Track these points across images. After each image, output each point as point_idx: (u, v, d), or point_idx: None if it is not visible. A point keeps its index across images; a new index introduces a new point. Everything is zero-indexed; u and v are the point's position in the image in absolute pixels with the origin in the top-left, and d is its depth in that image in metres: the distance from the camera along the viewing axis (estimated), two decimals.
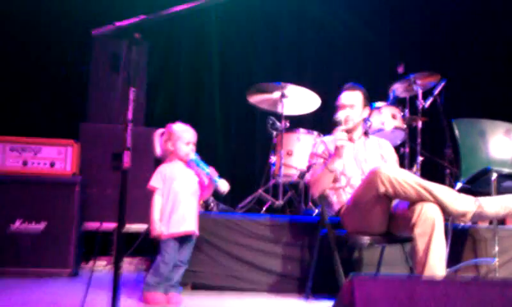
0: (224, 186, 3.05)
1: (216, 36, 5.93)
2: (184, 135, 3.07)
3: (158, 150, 3.10)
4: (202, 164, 3.07)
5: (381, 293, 1.10)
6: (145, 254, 4.42)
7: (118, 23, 1.73)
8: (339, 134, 3.04)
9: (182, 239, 3.02)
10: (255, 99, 4.84)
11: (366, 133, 3.50)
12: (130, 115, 1.72)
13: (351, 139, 3.33)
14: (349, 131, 3.26)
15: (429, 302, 1.11)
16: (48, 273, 3.67)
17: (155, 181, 3.01)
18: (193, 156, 3.08)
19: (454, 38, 6.23)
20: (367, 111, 3.43)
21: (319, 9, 6.18)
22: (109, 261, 4.28)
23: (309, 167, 3.38)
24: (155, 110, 5.35)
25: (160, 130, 3.11)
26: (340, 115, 3.17)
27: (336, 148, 3.03)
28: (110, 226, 4.08)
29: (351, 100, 3.35)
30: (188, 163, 3.10)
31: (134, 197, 4.24)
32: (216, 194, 3.30)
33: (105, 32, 1.71)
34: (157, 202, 2.98)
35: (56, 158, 3.84)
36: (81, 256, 3.96)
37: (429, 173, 4.66)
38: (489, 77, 6.10)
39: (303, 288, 3.44)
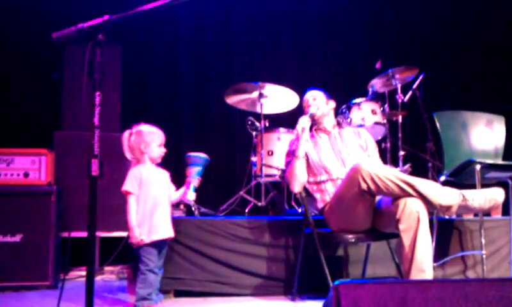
0: (191, 196, 3.04)
1: (191, 37, 5.85)
2: (157, 137, 2.99)
3: (128, 154, 2.99)
4: (201, 169, 3.05)
5: (369, 301, 1.03)
6: (126, 262, 4.35)
7: (80, 25, 1.65)
8: (300, 119, 3.16)
9: (161, 244, 2.92)
10: (233, 100, 4.79)
11: (339, 124, 3.53)
12: (96, 121, 1.64)
13: (325, 130, 3.42)
14: (316, 119, 3.35)
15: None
16: (26, 287, 3.56)
17: (130, 185, 2.88)
18: (205, 157, 3.07)
19: (430, 31, 6.23)
20: (332, 103, 3.49)
21: (295, 7, 6.14)
22: None
23: (287, 165, 3.34)
24: (132, 115, 5.23)
25: (128, 132, 3.00)
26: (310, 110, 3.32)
27: (297, 132, 3.14)
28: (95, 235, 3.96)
29: (313, 95, 3.46)
30: (194, 161, 3.05)
31: (114, 204, 4.19)
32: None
33: (67, 34, 1.62)
34: (133, 207, 2.85)
35: (30, 168, 3.73)
36: (60, 267, 3.85)
37: (411, 167, 4.64)
38: (468, 68, 6.12)
39: (289, 290, 3.39)
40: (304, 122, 3.16)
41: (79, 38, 1.65)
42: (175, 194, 3.07)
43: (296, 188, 3.19)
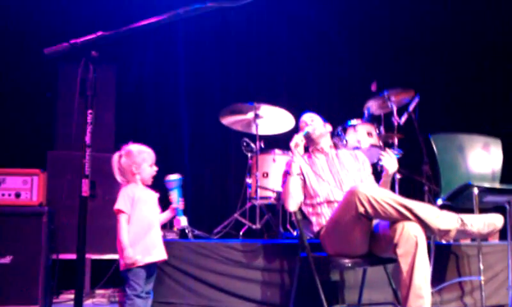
0: (184, 221, 2.96)
1: (186, 58, 5.84)
2: (148, 156, 2.93)
3: (118, 177, 2.91)
4: (178, 191, 2.95)
5: None
6: (118, 285, 4.27)
7: (73, 41, 1.61)
8: (295, 136, 3.15)
9: (151, 268, 2.85)
10: (228, 120, 4.75)
11: (335, 146, 3.52)
12: (88, 139, 1.59)
13: (322, 151, 3.39)
14: (313, 139, 3.34)
15: None
16: None
17: (123, 204, 2.80)
18: (177, 177, 2.96)
19: (426, 53, 6.25)
20: (329, 127, 3.48)
21: (290, 29, 6.15)
22: None
23: (283, 185, 3.30)
24: (126, 135, 5.18)
25: (118, 153, 2.93)
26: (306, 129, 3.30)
27: (291, 148, 3.13)
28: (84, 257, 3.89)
29: (311, 117, 3.44)
30: (168, 182, 2.96)
31: (106, 226, 4.13)
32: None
33: (59, 50, 1.58)
34: (125, 227, 2.77)
35: (22, 188, 3.66)
36: (51, 289, 3.77)
37: (407, 191, 4.60)
38: (464, 90, 6.12)
39: None
40: (298, 138, 3.14)
41: (72, 54, 1.61)
42: (161, 217, 3.00)
43: (291, 206, 3.15)
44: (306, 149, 3.41)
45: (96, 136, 4.35)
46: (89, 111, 1.64)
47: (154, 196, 2.96)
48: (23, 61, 5.10)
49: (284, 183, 3.24)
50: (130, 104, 5.46)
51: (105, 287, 4.15)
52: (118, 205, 2.80)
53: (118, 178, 2.91)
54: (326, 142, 3.41)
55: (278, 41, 6.17)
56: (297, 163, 3.19)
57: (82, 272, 1.70)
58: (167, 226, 4.01)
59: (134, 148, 2.94)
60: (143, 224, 2.81)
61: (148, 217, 2.84)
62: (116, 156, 2.92)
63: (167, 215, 3.00)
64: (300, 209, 3.23)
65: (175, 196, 2.94)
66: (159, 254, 2.85)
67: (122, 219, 2.79)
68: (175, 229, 4.16)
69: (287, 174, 3.23)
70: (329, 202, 3.17)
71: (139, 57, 5.68)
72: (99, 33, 1.65)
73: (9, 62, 5.13)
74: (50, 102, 4.65)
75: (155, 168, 2.95)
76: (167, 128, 5.68)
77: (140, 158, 2.90)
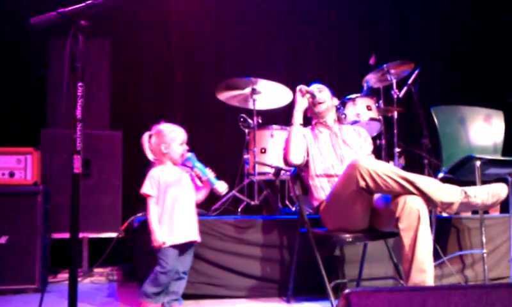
0: (222, 187, 2.87)
1: (180, 31, 5.73)
2: (177, 135, 2.88)
3: (150, 155, 2.87)
4: (199, 164, 2.89)
5: None
6: (116, 264, 4.24)
7: (61, 10, 1.53)
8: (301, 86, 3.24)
9: (183, 248, 2.82)
10: (224, 96, 4.68)
11: (339, 120, 3.45)
12: (79, 114, 1.52)
13: (326, 125, 3.31)
14: (319, 112, 3.28)
15: None
16: (12, 290, 3.43)
17: (148, 188, 2.78)
18: (189, 154, 2.90)
19: (425, 25, 6.17)
20: (336, 100, 3.41)
21: (288, 2, 6.04)
22: (79, 272, 4.07)
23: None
24: (121, 112, 5.11)
25: (148, 133, 2.90)
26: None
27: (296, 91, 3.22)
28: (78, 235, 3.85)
29: (319, 87, 3.35)
30: (183, 163, 2.90)
31: (103, 205, 4.10)
32: None
33: (47, 20, 1.50)
34: (154, 210, 2.76)
35: (15, 167, 3.61)
36: (48, 269, 3.74)
37: (406, 164, 4.57)
38: (463, 63, 6.06)
39: (283, 291, 3.30)
40: (303, 87, 3.20)
41: (61, 25, 1.53)
42: (198, 196, 2.94)
43: (292, 158, 3.09)
44: (309, 122, 3.35)
45: (91, 114, 4.33)
46: (80, 84, 1.56)
47: (185, 175, 2.91)
48: (16, 37, 4.99)
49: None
50: (125, 81, 5.36)
51: (103, 266, 4.11)
52: (144, 189, 2.78)
53: (150, 157, 2.87)
54: (331, 116, 3.33)
55: (275, 14, 6.07)
56: (300, 113, 3.19)
57: (76, 249, 1.64)
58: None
59: (164, 127, 2.90)
60: (168, 206, 2.77)
61: (177, 199, 2.79)
62: (145, 136, 2.89)
63: (203, 191, 2.94)
64: (299, 183, 3.18)
65: (198, 171, 2.88)
66: (186, 235, 2.80)
67: (150, 203, 2.77)
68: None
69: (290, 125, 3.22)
70: (329, 176, 3.11)
71: (133, 33, 5.57)
72: (88, 2, 1.57)
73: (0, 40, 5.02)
74: (43, 79, 4.55)
75: (185, 147, 2.90)
76: (162, 106, 5.60)
77: (169, 137, 2.85)
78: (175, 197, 2.79)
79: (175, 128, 2.92)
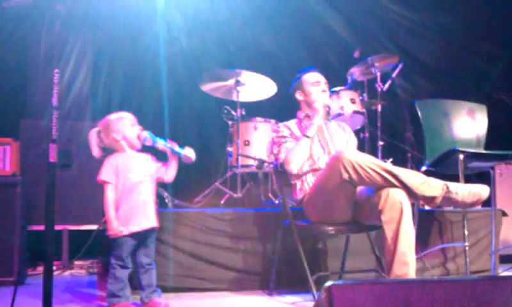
0: (190, 153, 2.82)
1: (164, 25, 5.66)
2: (125, 119, 2.81)
3: (96, 151, 2.77)
4: (159, 139, 2.81)
5: (367, 303, 0.90)
6: (97, 256, 4.18)
7: None
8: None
9: (143, 237, 2.73)
10: (208, 87, 4.65)
11: (325, 116, 3.39)
12: (54, 101, 1.48)
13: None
14: (314, 108, 3.20)
15: None
16: None
17: (106, 174, 2.69)
18: (146, 133, 2.81)
19: (410, 18, 6.16)
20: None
21: None
22: (58, 265, 4.01)
23: (274, 153, 3.21)
24: (102, 104, 5.04)
25: (95, 130, 2.80)
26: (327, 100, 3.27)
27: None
28: (58, 227, 3.86)
29: (325, 81, 3.35)
30: (143, 143, 2.82)
31: (83, 196, 4.03)
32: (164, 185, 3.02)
33: (20, 2, 1.45)
34: (111, 197, 2.67)
35: None
36: (27, 262, 3.68)
37: (389, 158, 4.56)
38: (447, 57, 6.06)
39: (266, 284, 3.28)
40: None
41: (34, 8, 1.48)
42: (169, 173, 2.87)
43: (293, 168, 3.04)
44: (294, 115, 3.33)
45: (72, 105, 4.26)
46: (56, 70, 1.51)
47: (145, 159, 2.83)
48: None
49: (280, 147, 3.16)
50: (106, 72, 5.28)
51: (83, 258, 4.05)
52: (101, 176, 2.70)
53: (96, 153, 2.77)
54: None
55: (259, 7, 6.02)
56: (316, 125, 3.13)
57: (51, 242, 1.60)
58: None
59: (111, 117, 2.82)
60: (127, 193, 2.69)
61: (136, 185, 2.71)
62: (92, 132, 2.79)
63: (171, 164, 2.86)
64: (282, 176, 3.16)
65: (161, 145, 2.82)
66: (145, 222, 2.71)
67: (107, 190, 2.68)
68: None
69: (282, 138, 3.17)
70: (314, 170, 3.09)
71: (115, 23, 5.49)
72: None
73: None
74: (23, 68, 4.46)
75: (138, 127, 2.83)
76: (146, 98, 5.53)
77: (118, 124, 2.77)
78: (134, 184, 2.71)
79: (120, 113, 2.84)
